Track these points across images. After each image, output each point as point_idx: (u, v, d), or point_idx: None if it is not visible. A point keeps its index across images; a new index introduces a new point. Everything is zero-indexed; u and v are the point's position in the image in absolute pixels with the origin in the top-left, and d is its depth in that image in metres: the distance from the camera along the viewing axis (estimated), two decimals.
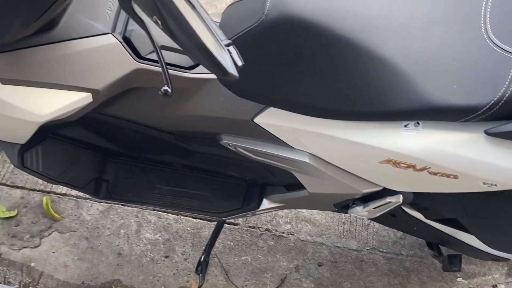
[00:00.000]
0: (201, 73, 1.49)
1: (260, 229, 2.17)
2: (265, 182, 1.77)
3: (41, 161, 1.65)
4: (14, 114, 1.34)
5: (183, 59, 1.49)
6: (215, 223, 2.13)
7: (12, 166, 2.29)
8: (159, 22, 0.92)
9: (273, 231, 2.16)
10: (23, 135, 1.50)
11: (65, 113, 1.38)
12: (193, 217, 2.17)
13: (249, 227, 2.17)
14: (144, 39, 1.44)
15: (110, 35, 1.39)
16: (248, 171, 1.73)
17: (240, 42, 1.28)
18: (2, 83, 1.29)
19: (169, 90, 1.11)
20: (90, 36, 1.37)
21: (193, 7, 0.90)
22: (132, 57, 1.41)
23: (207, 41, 0.92)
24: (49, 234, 2.12)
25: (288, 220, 2.19)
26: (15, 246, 2.09)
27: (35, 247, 2.09)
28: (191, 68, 1.49)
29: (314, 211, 2.19)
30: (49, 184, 2.23)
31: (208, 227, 2.16)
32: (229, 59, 0.94)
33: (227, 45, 1.00)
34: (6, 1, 1.09)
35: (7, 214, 2.16)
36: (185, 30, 0.90)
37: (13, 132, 1.48)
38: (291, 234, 2.16)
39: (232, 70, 0.94)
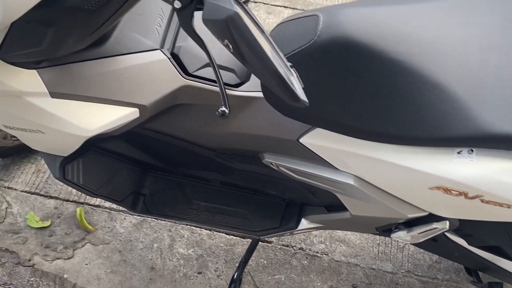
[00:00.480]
0: (247, 91, 1.48)
1: (294, 247, 2.14)
2: (304, 201, 1.75)
3: (81, 173, 1.65)
4: (62, 128, 1.33)
5: (230, 77, 1.49)
6: (249, 240, 2.11)
7: (46, 175, 2.30)
8: (230, 46, 0.91)
9: (307, 250, 2.14)
10: (68, 148, 1.50)
11: (112, 128, 1.37)
12: (226, 233, 2.16)
13: (283, 245, 2.15)
14: (191, 56, 1.44)
15: (159, 51, 1.39)
16: (288, 190, 1.72)
17: (290, 62, 1.27)
18: (52, 97, 1.29)
19: (227, 111, 1.10)
20: (140, 51, 1.37)
21: (261, 31, 0.89)
22: (180, 73, 1.40)
23: (279, 66, 0.90)
24: (82, 246, 2.12)
25: (322, 240, 2.16)
26: (48, 257, 2.09)
27: (68, 258, 2.09)
28: (237, 85, 1.48)
29: (349, 232, 2.17)
30: (83, 194, 2.24)
31: (241, 244, 2.14)
32: (297, 84, 0.92)
33: (290, 67, 0.99)
34: (64, 18, 1.09)
35: (41, 224, 2.16)
36: (259, 56, 0.89)
37: (59, 145, 1.48)
38: (325, 254, 2.14)
39: (303, 96, 0.92)
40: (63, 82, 1.29)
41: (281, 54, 0.94)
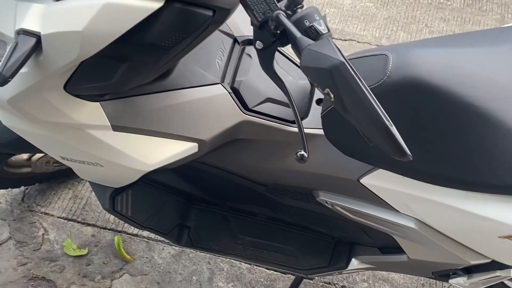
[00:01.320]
0: (307, 127, 1.45)
1: (336, 285, 2.09)
2: (356, 241, 1.70)
3: (130, 205, 1.62)
4: (122, 162, 1.31)
5: (288, 112, 1.46)
6: (290, 276, 2.07)
7: (84, 202, 2.27)
8: (332, 95, 0.87)
9: None
10: (123, 181, 1.48)
11: (170, 162, 1.35)
12: (266, 268, 2.11)
13: (325, 282, 2.10)
14: (251, 91, 1.41)
15: (219, 85, 1.36)
16: (339, 229, 1.67)
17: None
18: (114, 130, 1.26)
19: (306, 155, 1.06)
20: (201, 85, 1.34)
21: (359, 79, 0.85)
22: (240, 108, 1.38)
23: (386, 119, 0.87)
24: (120, 276, 2.08)
25: (365, 278, 2.11)
26: (86, 286, 2.05)
27: None
28: (294, 121, 1.45)
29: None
30: (121, 222, 2.21)
31: (282, 280, 2.09)
32: (399, 136, 0.88)
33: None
34: (139, 54, 1.07)
35: (78, 253, 2.13)
36: (366, 108, 0.86)
37: (114, 178, 1.46)
38: None
39: (408, 150, 0.88)
40: (125, 116, 1.26)
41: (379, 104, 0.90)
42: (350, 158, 1.36)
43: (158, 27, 1.03)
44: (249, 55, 1.46)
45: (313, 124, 1.45)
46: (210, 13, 1.07)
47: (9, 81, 0.98)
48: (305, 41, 0.92)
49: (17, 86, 1.12)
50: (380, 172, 1.34)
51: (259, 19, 0.99)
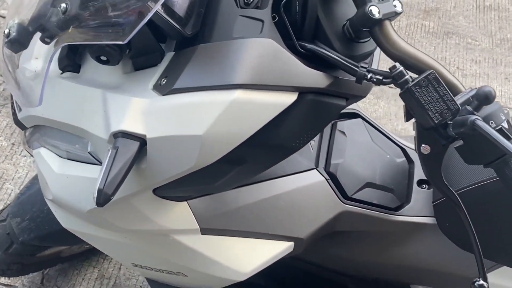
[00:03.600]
0: (411, 215, 1.24)
1: None
2: None
3: None
4: (211, 271, 1.09)
5: (388, 199, 1.25)
6: None
7: (112, 282, 2.03)
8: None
9: None
10: None
11: (264, 267, 1.13)
12: None
13: None
14: (349, 176, 1.21)
15: (315, 170, 1.16)
16: None
17: (473, 195, 1.08)
18: (202, 233, 1.04)
19: (486, 285, 0.85)
20: (296, 172, 1.14)
21: None
22: (339, 197, 1.17)
23: None
24: None
25: None
26: None
27: None
28: (397, 209, 1.24)
29: None
30: None
31: None
32: None
33: None
34: (262, 156, 0.87)
35: None
36: None
37: (197, 286, 1.22)
38: None
39: None
40: (215, 215, 1.06)
41: None
42: (467, 252, 1.16)
43: (289, 125, 0.83)
44: (343, 132, 1.25)
45: (417, 211, 1.25)
46: (343, 102, 0.87)
47: (111, 199, 0.76)
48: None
49: None
50: (504, 269, 1.16)
51: (436, 121, 0.78)
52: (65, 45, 0.89)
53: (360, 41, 0.87)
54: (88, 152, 0.93)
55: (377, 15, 0.81)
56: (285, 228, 1.12)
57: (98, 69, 0.91)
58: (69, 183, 0.95)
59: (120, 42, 0.77)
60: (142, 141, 0.82)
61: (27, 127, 1.03)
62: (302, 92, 0.83)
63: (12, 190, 2.20)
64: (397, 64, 0.80)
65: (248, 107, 0.79)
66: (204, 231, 1.04)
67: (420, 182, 1.30)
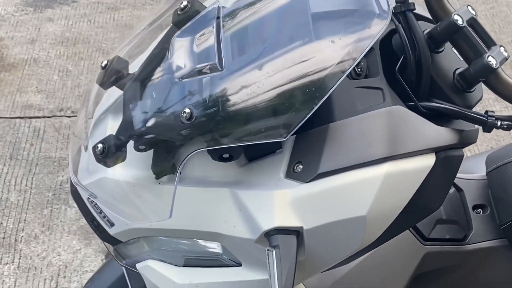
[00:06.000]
0: (478, 242, 1.28)
1: None
2: None
3: None
4: None
5: (454, 231, 1.29)
6: None
7: None
8: None
9: None
10: None
11: None
12: None
13: None
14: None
15: None
16: None
17: None
18: None
19: None
20: None
21: None
22: (419, 240, 1.21)
23: None
24: None
25: None
26: None
27: None
28: (464, 239, 1.28)
29: None
30: None
31: None
32: None
33: None
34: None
35: None
36: None
37: None
38: None
39: None
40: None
41: None
42: None
43: (433, 185, 0.85)
44: None
45: (482, 236, 1.29)
46: (463, 152, 0.90)
47: None
48: None
49: None
50: None
51: None
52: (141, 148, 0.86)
53: (470, 91, 0.90)
54: (222, 255, 0.89)
55: (495, 65, 0.84)
56: (383, 284, 1.12)
57: (205, 167, 0.88)
58: None
59: (282, 139, 0.76)
60: (297, 233, 0.79)
61: (123, 241, 0.97)
62: (437, 151, 0.85)
63: None
64: None
65: (399, 178, 0.80)
66: None
67: (476, 207, 1.34)
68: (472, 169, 1.37)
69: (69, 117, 2.62)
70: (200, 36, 0.84)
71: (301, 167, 0.82)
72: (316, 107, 0.75)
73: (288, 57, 0.78)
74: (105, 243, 1.01)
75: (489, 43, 0.88)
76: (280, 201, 0.80)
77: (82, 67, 2.87)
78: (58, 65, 2.86)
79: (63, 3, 3.22)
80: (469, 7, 0.89)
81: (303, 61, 0.78)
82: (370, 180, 0.79)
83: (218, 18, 0.84)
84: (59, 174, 2.37)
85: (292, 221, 0.79)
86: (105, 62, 0.94)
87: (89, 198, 0.95)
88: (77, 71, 2.85)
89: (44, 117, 2.63)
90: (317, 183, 0.80)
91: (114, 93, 0.96)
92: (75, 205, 2.28)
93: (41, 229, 2.18)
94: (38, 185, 2.34)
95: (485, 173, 1.31)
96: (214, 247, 0.89)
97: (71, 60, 2.90)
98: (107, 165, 0.89)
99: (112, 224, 0.95)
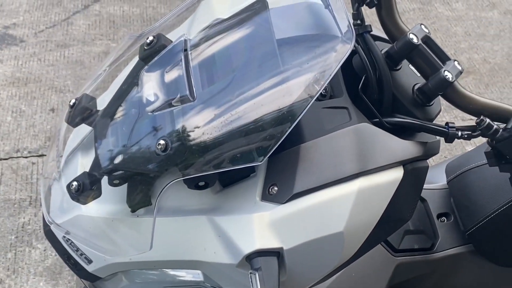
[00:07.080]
0: (444, 249, 1.33)
1: None
2: None
3: None
4: None
5: (422, 241, 1.33)
6: None
7: None
8: None
9: None
10: None
11: None
12: None
13: None
14: None
15: None
16: None
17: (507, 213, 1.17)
18: None
19: None
20: None
21: None
22: (390, 253, 1.23)
23: None
24: None
25: None
26: None
27: None
28: (431, 248, 1.32)
29: None
30: None
31: None
32: None
33: None
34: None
35: None
36: None
37: None
38: None
39: None
40: None
41: None
42: (508, 269, 1.26)
43: (403, 197, 0.88)
44: None
45: (449, 243, 1.34)
46: (427, 163, 0.94)
47: None
48: None
49: None
50: None
51: None
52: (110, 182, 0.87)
53: (430, 104, 0.94)
54: (204, 283, 0.90)
55: (451, 79, 0.89)
56: None
57: (180, 196, 0.89)
58: None
59: (259, 163, 0.78)
60: (278, 254, 0.81)
61: (101, 277, 0.97)
62: (405, 164, 0.88)
63: None
64: (484, 118, 0.88)
65: (372, 192, 0.83)
66: None
67: (439, 217, 1.39)
68: (433, 179, 1.42)
69: (26, 157, 2.58)
70: (169, 69, 0.86)
71: (276, 188, 0.84)
72: (289, 130, 0.78)
73: (258, 84, 0.81)
74: (83, 280, 1.01)
75: (444, 58, 0.93)
76: (258, 224, 0.82)
77: (36, 107, 2.84)
78: (11, 106, 2.83)
79: (11, 44, 3.19)
80: (422, 26, 0.94)
81: (273, 87, 0.80)
82: (344, 197, 0.81)
83: (185, 50, 0.86)
84: (20, 216, 2.34)
85: (272, 243, 0.81)
86: (73, 100, 0.95)
87: (64, 237, 0.95)
88: (30, 110, 2.82)
89: (0, 159, 2.58)
90: (294, 203, 0.82)
91: (83, 131, 0.97)
92: (39, 246, 2.29)
93: (6, 273, 2.14)
94: (0, 228, 2.29)
95: (445, 182, 1.36)
96: (196, 275, 0.90)
97: (24, 100, 2.87)
98: (82, 202, 0.89)
99: (90, 261, 0.95)
